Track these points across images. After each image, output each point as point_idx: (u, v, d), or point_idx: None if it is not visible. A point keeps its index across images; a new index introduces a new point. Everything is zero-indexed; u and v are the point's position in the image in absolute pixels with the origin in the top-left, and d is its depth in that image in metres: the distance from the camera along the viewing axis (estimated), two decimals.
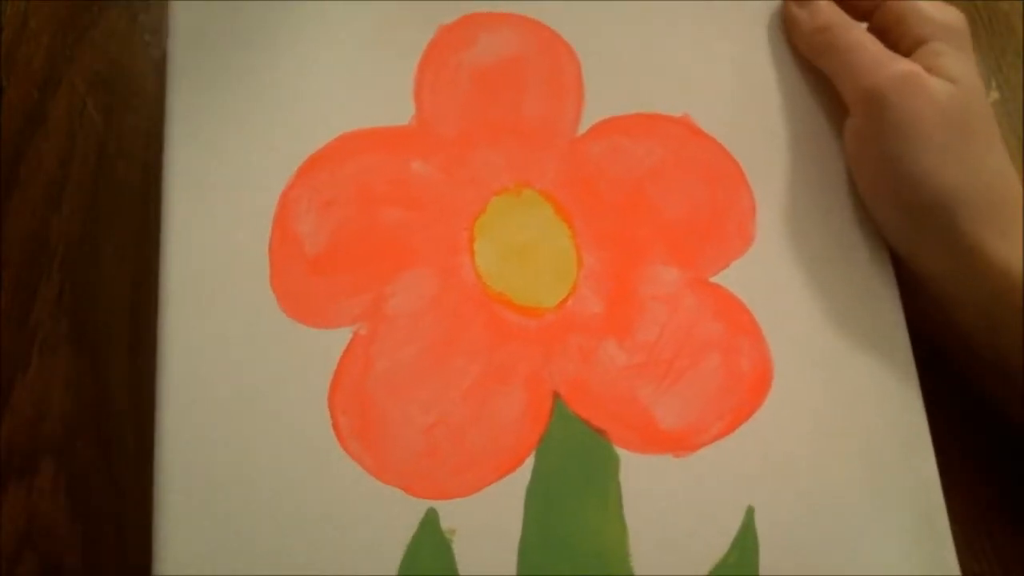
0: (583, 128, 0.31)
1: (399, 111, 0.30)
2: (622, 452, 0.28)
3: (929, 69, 0.29)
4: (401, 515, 0.26)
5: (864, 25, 0.32)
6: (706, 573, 0.27)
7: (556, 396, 0.28)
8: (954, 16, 0.31)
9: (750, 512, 0.28)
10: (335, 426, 0.27)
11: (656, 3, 0.33)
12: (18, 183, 0.34)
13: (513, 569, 0.26)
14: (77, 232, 0.33)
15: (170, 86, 0.30)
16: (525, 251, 0.30)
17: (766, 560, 0.27)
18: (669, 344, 0.29)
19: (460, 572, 0.26)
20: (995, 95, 0.39)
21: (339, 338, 0.28)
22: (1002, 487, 0.33)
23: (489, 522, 0.27)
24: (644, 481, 0.27)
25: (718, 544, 0.27)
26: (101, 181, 0.34)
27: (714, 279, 0.30)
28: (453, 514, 0.27)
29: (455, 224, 0.30)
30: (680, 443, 0.28)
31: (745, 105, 0.32)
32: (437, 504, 0.27)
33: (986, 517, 0.32)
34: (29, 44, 0.36)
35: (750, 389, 0.29)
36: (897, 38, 0.31)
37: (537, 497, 0.27)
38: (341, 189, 0.29)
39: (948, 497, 0.28)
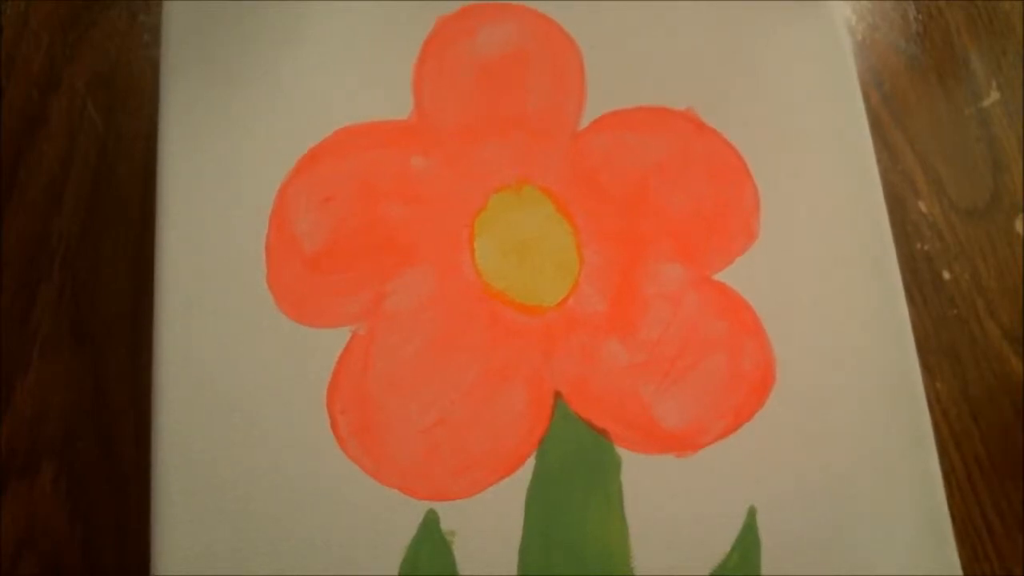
0: (585, 122, 0.31)
1: (398, 105, 0.30)
2: (624, 452, 0.28)
3: None
4: (400, 516, 0.26)
5: None
6: (708, 573, 0.27)
7: (557, 396, 0.28)
8: None
9: (752, 512, 0.27)
10: (333, 426, 0.27)
11: None
12: (18, 183, 0.34)
13: (514, 570, 0.26)
14: (77, 232, 0.33)
15: (164, 81, 0.30)
16: (526, 248, 0.29)
17: (768, 560, 0.27)
18: (672, 343, 0.29)
19: (460, 574, 0.26)
20: (995, 95, 0.38)
21: (337, 337, 0.28)
22: (1002, 487, 0.32)
23: (490, 523, 0.26)
24: (646, 481, 0.27)
25: (720, 544, 0.27)
26: (101, 181, 0.34)
27: (717, 276, 0.30)
28: (453, 515, 0.26)
29: (455, 221, 0.29)
30: (682, 443, 0.28)
31: (750, 99, 0.32)
32: (437, 505, 0.26)
33: (986, 517, 0.32)
34: (29, 44, 0.36)
35: (753, 388, 0.29)
36: None
37: (538, 498, 0.27)
38: (339, 185, 0.29)
39: (948, 497, 0.28)
